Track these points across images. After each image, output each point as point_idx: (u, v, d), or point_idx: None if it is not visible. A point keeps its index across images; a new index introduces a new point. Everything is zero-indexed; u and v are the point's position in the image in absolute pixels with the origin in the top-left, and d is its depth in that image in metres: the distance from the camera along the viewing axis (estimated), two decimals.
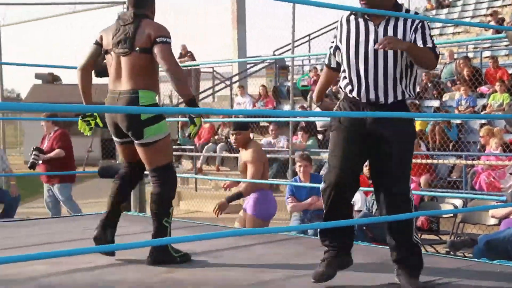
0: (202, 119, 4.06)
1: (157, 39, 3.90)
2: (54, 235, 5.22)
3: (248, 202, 5.85)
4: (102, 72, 6.54)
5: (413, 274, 3.54)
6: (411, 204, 3.56)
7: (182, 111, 3.81)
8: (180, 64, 4.07)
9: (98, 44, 4.15)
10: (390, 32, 3.45)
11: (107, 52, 4.10)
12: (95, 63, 4.27)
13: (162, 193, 4.05)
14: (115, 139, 4.21)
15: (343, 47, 3.58)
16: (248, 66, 16.48)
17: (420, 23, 3.49)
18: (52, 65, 21.69)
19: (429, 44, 3.45)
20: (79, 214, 7.07)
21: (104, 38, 4.10)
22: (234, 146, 6.40)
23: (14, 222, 6.23)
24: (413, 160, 8.96)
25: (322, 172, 10.34)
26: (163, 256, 4.03)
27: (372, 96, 3.49)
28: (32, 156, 7.93)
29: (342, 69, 3.63)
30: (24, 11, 18.24)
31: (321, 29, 17.23)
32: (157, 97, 4.11)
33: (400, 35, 3.44)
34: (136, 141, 4.01)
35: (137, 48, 3.93)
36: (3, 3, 13.00)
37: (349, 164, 3.58)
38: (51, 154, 8.08)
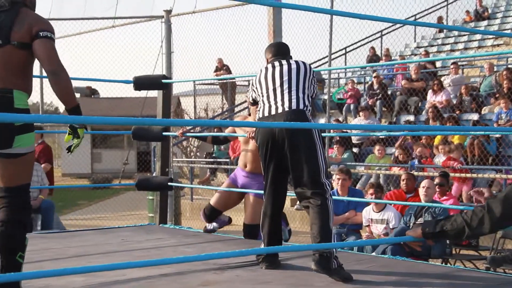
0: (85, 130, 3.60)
1: (40, 33, 3.33)
2: (91, 247, 5.26)
3: (253, 186, 5.72)
4: None
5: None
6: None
7: (74, 120, 3.27)
8: (62, 64, 3.42)
9: None
10: None
11: None
12: None
13: (16, 220, 3.36)
14: None
15: None
16: None
17: None
18: (91, 79, 22.02)
19: None
20: (117, 226, 7.11)
21: None
22: None
23: (52, 234, 6.30)
24: (452, 174, 8.92)
25: (359, 186, 10.27)
26: None
27: None
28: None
29: None
30: (64, 26, 18.57)
31: (357, 42, 17.18)
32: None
33: None
34: (3, 151, 3.34)
35: (15, 42, 3.34)
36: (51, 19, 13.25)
37: None
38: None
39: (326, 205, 4.00)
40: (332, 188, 4.26)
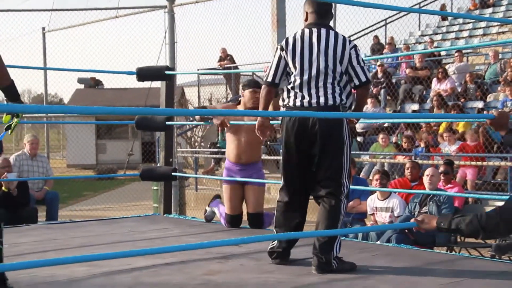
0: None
1: None
2: (96, 238, 5.27)
3: (252, 175, 5.64)
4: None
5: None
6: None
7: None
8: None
9: None
10: None
11: None
12: None
13: None
14: None
15: None
16: None
17: None
18: (95, 70, 22.09)
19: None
20: (121, 216, 7.11)
21: None
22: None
23: (57, 224, 6.32)
24: (459, 162, 8.88)
25: (362, 174, 10.26)
26: None
27: None
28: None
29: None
30: (68, 17, 18.55)
31: (361, 30, 17.11)
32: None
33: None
34: None
35: None
36: (47, 9, 13.24)
37: None
38: None
39: (338, 207, 3.88)
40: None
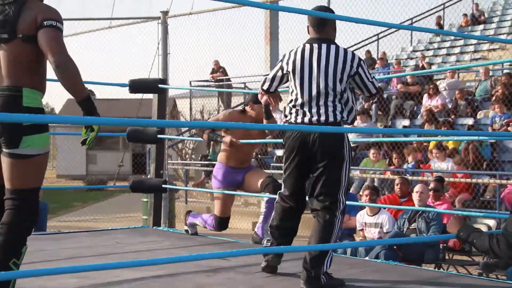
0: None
1: (44, 22, 3.10)
2: (85, 249, 5.27)
3: (245, 170, 5.66)
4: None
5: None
6: None
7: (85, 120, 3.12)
8: (70, 57, 3.17)
9: None
10: None
11: None
12: None
13: (17, 223, 3.17)
14: None
15: None
16: None
17: None
18: (87, 81, 21.95)
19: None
20: (111, 228, 7.11)
21: None
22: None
23: (46, 235, 6.30)
24: (449, 179, 8.91)
25: (352, 190, 10.29)
26: None
27: None
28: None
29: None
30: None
31: (354, 45, 17.20)
32: (43, 100, 3.31)
33: None
34: (6, 150, 3.17)
35: (20, 35, 3.13)
36: None
37: None
38: None
39: (332, 222, 3.88)
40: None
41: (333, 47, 3.92)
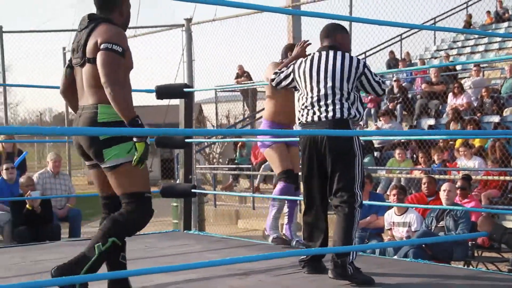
0: (148, 142, 3.42)
1: (101, 45, 3.28)
2: None
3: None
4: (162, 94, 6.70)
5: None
6: None
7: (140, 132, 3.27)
8: (121, 81, 3.34)
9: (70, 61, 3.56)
10: None
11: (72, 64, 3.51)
12: (73, 82, 3.58)
13: (124, 221, 3.46)
14: (85, 162, 3.63)
15: None
16: None
17: None
18: None
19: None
20: (143, 233, 7.18)
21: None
22: None
23: (79, 241, 6.39)
24: (476, 177, 8.85)
25: (379, 190, 10.26)
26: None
27: None
28: None
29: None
30: None
31: (377, 46, 17.15)
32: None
33: None
34: (101, 165, 3.44)
35: (87, 58, 3.36)
36: (67, 30, 13.42)
37: None
38: None
39: (352, 214, 4.02)
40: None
41: (339, 53, 4.18)
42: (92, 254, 3.45)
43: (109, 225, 3.47)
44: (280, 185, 5.49)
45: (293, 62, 4.38)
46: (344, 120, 4.07)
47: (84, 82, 3.41)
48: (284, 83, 4.42)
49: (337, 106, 4.07)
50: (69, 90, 3.62)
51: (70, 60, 3.55)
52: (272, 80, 4.49)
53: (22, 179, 7.83)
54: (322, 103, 4.11)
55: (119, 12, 3.47)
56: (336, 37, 4.26)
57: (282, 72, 4.43)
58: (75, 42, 3.43)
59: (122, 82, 3.31)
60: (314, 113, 4.14)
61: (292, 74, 4.33)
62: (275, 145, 5.48)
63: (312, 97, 4.16)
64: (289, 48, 5.48)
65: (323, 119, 4.09)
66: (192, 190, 6.74)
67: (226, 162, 15.54)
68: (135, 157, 3.38)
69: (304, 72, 4.22)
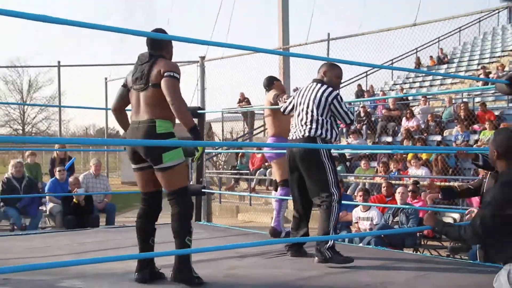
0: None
1: (165, 73, 3.37)
2: None
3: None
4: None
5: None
6: None
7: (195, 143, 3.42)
8: (182, 98, 3.39)
9: (124, 85, 3.64)
10: None
11: (129, 89, 3.59)
12: (125, 103, 3.68)
13: (181, 213, 3.46)
14: (132, 165, 3.60)
15: None
16: None
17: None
18: None
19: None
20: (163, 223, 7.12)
21: (128, 79, 3.60)
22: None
23: (114, 228, 6.35)
24: (423, 183, 8.83)
25: (349, 191, 10.21)
26: (185, 274, 3.47)
27: None
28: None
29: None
30: (124, 69, 18.73)
31: (348, 80, 17.18)
32: (172, 127, 3.52)
33: None
34: (155, 166, 3.44)
35: (151, 84, 3.42)
36: (108, 64, 13.42)
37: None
38: None
39: (330, 208, 4.00)
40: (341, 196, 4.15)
41: (319, 85, 4.15)
42: (187, 246, 3.42)
43: (180, 221, 3.45)
44: (284, 189, 5.38)
45: (293, 96, 4.40)
46: (312, 138, 4.08)
47: (142, 102, 3.45)
48: (289, 108, 4.46)
49: (308, 127, 4.09)
50: (121, 109, 3.69)
51: (125, 85, 3.61)
52: (284, 110, 4.52)
53: (70, 179, 7.79)
54: (299, 124, 4.16)
55: (166, 51, 3.55)
56: (322, 72, 4.22)
57: (287, 103, 4.48)
58: (138, 72, 3.48)
59: (182, 100, 3.38)
60: (295, 131, 4.20)
61: (293, 101, 4.36)
62: (282, 158, 5.40)
63: (296, 119, 4.22)
64: (272, 79, 5.51)
65: (300, 136, 4.13)
66: (203, 190, 6.71)
67: (229, 168, 15.49)
68: (197, 154, 3.51)
69: (297, 99, 4.27)
